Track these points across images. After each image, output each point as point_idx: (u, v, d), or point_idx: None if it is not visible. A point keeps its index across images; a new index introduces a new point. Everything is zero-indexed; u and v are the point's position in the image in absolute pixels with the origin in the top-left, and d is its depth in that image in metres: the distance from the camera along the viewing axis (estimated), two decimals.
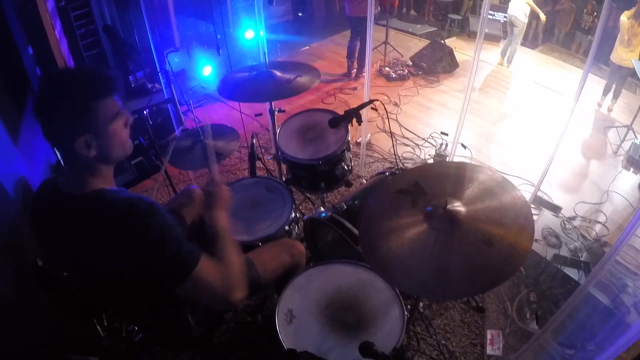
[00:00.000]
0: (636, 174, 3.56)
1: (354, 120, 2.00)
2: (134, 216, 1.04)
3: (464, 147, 3.46)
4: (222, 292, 1.13)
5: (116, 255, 1.07)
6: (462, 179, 1.44)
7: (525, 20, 5.52)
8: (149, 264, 1.07)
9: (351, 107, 2.02)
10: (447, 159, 3.23)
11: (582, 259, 2.35)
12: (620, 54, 4.56)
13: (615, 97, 4.80)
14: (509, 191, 1.36)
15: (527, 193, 3.13)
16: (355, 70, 5.06)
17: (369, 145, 3.70)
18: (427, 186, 1.43)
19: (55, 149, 1.11)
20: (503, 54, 5.81)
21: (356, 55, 4.94)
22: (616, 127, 4.30)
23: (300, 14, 6.80)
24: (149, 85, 3.54)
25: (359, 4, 4.44)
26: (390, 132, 3.76)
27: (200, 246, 1.26)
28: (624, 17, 4.47)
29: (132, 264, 1.07)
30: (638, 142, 3.83)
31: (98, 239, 1.06)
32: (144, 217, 1.05)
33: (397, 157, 2.55)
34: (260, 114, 2.92)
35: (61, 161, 2.35)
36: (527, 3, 5.40)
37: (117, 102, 1.11)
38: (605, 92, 4.86)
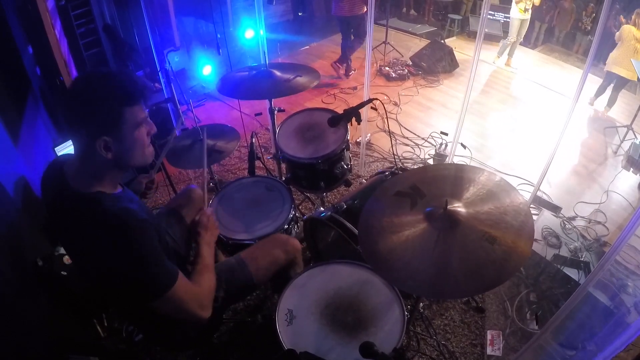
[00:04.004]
0: (636, 174, 3.56)
1: (354, 119, 2.00)
2: (120, 230, 1.06)
3: (464, 146, 3.46)
4: (191, 312, 1.21)
5: (99, 261, 1.10)
6: (460, 181, 1.44)
7: (515, 16, 5.57)
8: (126, 278, 1.10)
9: (351, 106, 2.02)
10: (447, 159, 3.23)
11: (582, 259, 2.35)
12: (622, 62, 4.50)
13: (610, 105, 4.78)
14: (508, 194, 1.36)
15: (526, 193, 3.13)
16: (353, 71, 5.05)
17: (369, 144, 3.70)
18: (425, 188, 1.43)
19: (73, 140, 1.12)
20: (510, 53, 5.83)
21: (349, 55, 4.93)
22: (616, 127, 4.30)
23: (300, 14, 6.80)
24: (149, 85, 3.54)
25: (344, 3, 4.39)
26: (390, 132, 3.76)
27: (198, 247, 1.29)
28: (634, 28, 4.43)
29: (111, 273, 1.10)
30: (638, 142, 3.83)
31: (86, 240, 1.09)
32: (129, 234, 1.06)
33: (396, 157, 2.54)
34: (260, 114, 2.91)
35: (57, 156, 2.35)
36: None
37: (144, 110, 1.14)
38: (598, 94, 4.85)
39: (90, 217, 1.08)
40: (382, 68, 5.13)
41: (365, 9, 4.46)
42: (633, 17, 4.49)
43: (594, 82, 4.95)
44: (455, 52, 5.27)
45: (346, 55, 4.93)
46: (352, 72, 5.06)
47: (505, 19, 6.57)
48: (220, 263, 1.68)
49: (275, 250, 1.69)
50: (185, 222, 1.81)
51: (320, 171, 2.14)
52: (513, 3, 5.54)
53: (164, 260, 1.15)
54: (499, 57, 5.87)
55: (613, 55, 4.66)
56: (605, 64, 4.86)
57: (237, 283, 1.58)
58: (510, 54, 5.83)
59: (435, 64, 5.11)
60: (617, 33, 4.65)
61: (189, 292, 1.19)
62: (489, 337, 2.15)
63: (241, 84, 2.22)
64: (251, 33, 4.49)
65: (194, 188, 1.96)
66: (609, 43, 4.75)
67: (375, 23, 4.70)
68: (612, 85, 4.74)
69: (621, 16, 4.79)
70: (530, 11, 5.54)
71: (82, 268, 1.25)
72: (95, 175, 1.12)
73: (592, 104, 4.91)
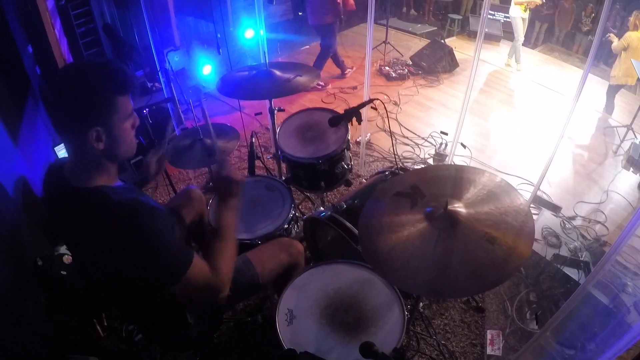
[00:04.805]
0: (636, 174, 3.56)
1: (354, 119, 2.00)
2: (130, 220, 1.04)
3: (464, 146, 3.46)
4: (211, 291, 1.18)
5: (110, 254, 1.08)
6: (460, 182, 1.44)
7: (516, 15, 5.57)
8: (142, 266, 1.08)
9: (351, 106, 2.02)
10: (447, 159, 3.23)
11: (582, 258, 2.36)
12: (633, 72, 4.37)
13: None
14: (509, 195, 1.36)
15: (526, 193, 3.13)
16: (350, 69, 5.03)
17: (369, 144, 3.70)
18: (425, 188, 1.43)
19: (63, 138, 1.11)
20: (510, 54, 5.80)
21: (339, 58, 4.89)
22: (616, 127, 4.30)
23: (300, 13, 6.77)
24: (149, 84, 3.54)
25: (315, 11, 4.38)
26: (390, 132, 3.76)
27: (197, 246, 1.27)
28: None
29: (124, 264, 1.09)
30: (638, 142, 3.83)
31: (94, 235, 1.08)
32: (139, 222, 1.05)
33: (396, 157, 2.54)
34: (260, 113, 2.91)
35: (57, 156, 2.35)
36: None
37: (131, 102, 1.12)
38: (612, 108, 4.75)
39: (95, 211, 1.06)
40: (382, 68, 5.13)
41: (330, 20, 4.42)
42: (632, 20, 4.41)
43: (594, 81, 4.95)
44: (455, 52, 5.27)
45: (338, 58, 4.89)
46: (349, 70, 5.04)
47: (505, 19, 6.57)
48: None
49: (280, 252, 1.70)
50: (184, 222, 1.81)
51: (320, 171, 2.14)
52: (512, 3, 5.54)
53: (178, 244, 1.13)
54: (513, 60, 5.80)
55: (622, 67, 4.51)
56: (605, 65, 4.83)
57: (243, 283, 1.58)
58: (510, 55, 5.83)
59: (435, 63, 5.11)
60: (617, 44, 4.50)
61: (205, 272, 1.17)
62: (488, 336, 2.15)
63: (241, 84, 2.22)
64: (251, 33, 4.48)
65: (193, 188, 1.97)
66: (609, 43, 4.74)
67: (376, 23, 4.67)
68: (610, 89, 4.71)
69: (611, 35, 4.70)
70: (529, 10, 5.54)
71: (89, 265, 1.23)
72: (94, 169, 1.11)
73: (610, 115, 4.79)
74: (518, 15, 5.54)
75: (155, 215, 1.08)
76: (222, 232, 1.32)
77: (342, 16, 4.52)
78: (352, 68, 5.07)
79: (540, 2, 5.55)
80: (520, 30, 5.62)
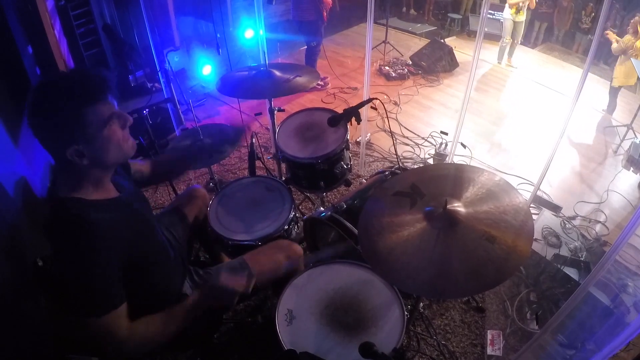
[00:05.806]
0: (636, 174, 3.56)
1: (353, 119, 2.00)
2: (74, 238, 1.03)
3: (464, 146, 3.46)
4: (111, 349, 1.09)
5: (55, 264, 1.10)
6: (459, 181, 1.44)
7: (506, 16, 5.64)
8: (65, 285, 1.07)
9: (350, 106, 2.02)
10: (447, 158, 3.23)
11: (582, 258, 2.35)
12: (631, 73, 4.43)
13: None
14: (508, 194, 1.36)
15: (527, 192, 3.13)
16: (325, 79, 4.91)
17: (369, 144, 3.70)
18: (425, 188, 1.43)
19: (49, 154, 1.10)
20: (499, 56, 5.83)
21: (313, 60, 4.75)
22: (616, 126, 4.30)
23: None
24: (149, 85, 3.54)
25: (298, 7, 4.35)
26: (390, 132, 3.76)
27: (203, 244, 1.26)
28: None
29: (56, 276, 1.10)
30: (638, 142, 3.83)
31: (52, 243, 1.09)
32: (82, 244, 1.03)
33: (397, 157, 2.56)
34: (260, 114, 2.91)
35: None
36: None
37: (110, 104, 1.07)
38: (613, 108, 4.80)
39: (56, 220, 1.07)
40: (382, 67, 5.13)
41: (311, 17, 4.34)
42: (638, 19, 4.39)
43: (593, 81, 4.95)
44: (455, 52, 5.27)
45: (312, 64, 4.77)
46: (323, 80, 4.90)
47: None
48: (223, 264, 1.68)
49: (278, 254, 1.68)
50: (187, 221, 1.82)
51: (319, 171, 2.14)
52: (507, 4, 5.58)
53: (107, 284, 1.07)
54: (499, 62, 5.85)
55: (622, 69, 4.54)
56: (605, 65, 4.83)
57: None
58: (510, 54, 5.84)
59: (435, 63, 5.11)
60: (618, 46, 4.53)
61: (117, 331, 1.08)
62: (489, 337, 2.15)
63: (241, 84, 2.22)
64: (251, 33, 4.48)
65: (197, 187, 1.97)
66: (609, 43, 4.74)
67: (375, 22, 4.66)
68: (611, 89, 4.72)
69: (609, 33, 4.70)
70: (524, 12, 5.54)
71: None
72: (76, 182, 1.10)
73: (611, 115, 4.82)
74: (508, 17, 5.58)
75: (103, 246, 1.05)
76: (189, 308, 1.27)
77: (325, 12, 4.41)
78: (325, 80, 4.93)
79: (534, 6, 5.58)
80: (506, 32, 5.67)
